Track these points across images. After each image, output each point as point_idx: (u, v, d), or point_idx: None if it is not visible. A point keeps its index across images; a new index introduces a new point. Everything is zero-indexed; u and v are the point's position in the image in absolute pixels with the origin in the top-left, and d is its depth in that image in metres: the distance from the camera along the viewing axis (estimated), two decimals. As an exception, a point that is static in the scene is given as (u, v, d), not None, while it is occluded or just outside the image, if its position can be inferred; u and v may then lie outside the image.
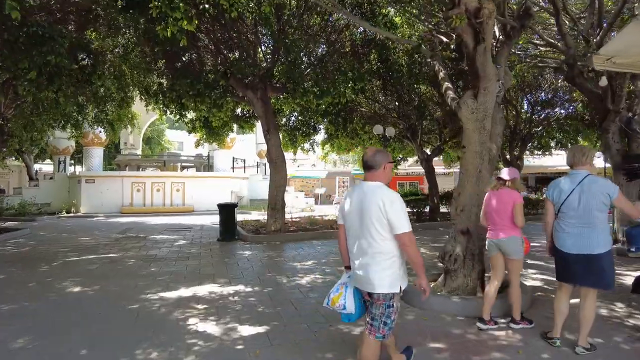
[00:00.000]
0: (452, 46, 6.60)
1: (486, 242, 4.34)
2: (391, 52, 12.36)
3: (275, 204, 10.57)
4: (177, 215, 19.20)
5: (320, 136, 16.57)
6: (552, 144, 20.89)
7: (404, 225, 2.45)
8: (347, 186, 25.98)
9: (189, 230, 13.10)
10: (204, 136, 14.81)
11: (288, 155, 17.51)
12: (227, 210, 10.34)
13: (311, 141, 15.54)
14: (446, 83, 6.13)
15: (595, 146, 21.91)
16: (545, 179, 33.33)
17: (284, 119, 14.99)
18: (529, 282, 5.86)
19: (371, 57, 12.84)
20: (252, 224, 12.71)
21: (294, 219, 14.05)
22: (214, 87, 10.14)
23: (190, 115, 14.30)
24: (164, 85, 11.54)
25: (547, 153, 22.34)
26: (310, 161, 37.75)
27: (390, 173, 2.66)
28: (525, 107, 17.89)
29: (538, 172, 31.05)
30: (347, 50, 11.99)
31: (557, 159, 28.37)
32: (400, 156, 20.58)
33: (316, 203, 25.86)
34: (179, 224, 15.16)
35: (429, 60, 6.74)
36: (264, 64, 10.69)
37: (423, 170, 32.37)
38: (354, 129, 14.68)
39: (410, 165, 31.81)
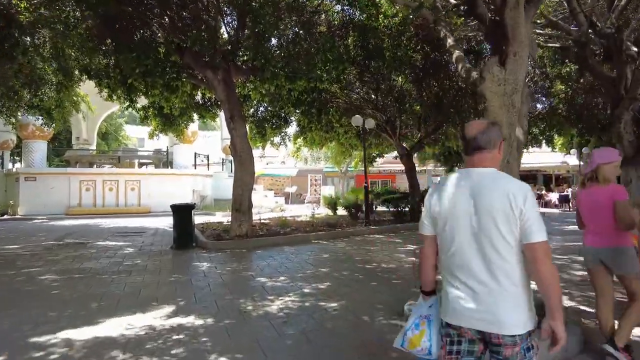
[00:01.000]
0: (462, 7, 5.33)
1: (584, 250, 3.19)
2: (372, 35, 11.07)
3: (241, 204, 9.04)
4: (132, 217, 17.26)
5: (292, 129, 15.14)
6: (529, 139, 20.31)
7: (541, 230, 1.64)
8: (320, 184, 24.67)
9: (141, 235, 11.36)
10: (159, 126, 13.01)
11: (256, 152, 16.00)
12: (182, 213, 8.73)
13: (282, 134, 14.04)
14: (456, 51, 4.85)
15: (572, 142, 21.61)
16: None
17: (252, 109, 13.44)
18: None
19: (349, 40, 11.54)
20: (214, 228, 11.13)
21: (262, 221, 12.53)
22: (166, 64, 8.50)
23: (143, 101, 12.54)
24: (110, 64, 9.78)
25: (524, 150, 21.85)
26: (280, 158, 36.18)
27: (502, 155, 1.85)
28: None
29: (510, 170, 30.80)
30: (322, 30, 10.63)
31: (529, 157, 28.13)
32: (376, 152, 19.46)
33: (287, 202, 24.35)
34: (131, 227, 13.35)
35: (432, 25, 5.45)
36: (227, 39, 9.12)
37: (396, 168, 31.65)
38: (329, 121, 13.31)
39: (383, 163, 30.86)
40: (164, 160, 22.72)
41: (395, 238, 10.41)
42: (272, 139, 13.88)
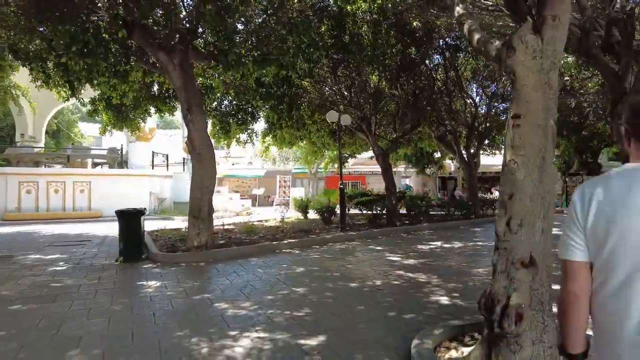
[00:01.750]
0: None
1: None
2: (348, 20, 10.09)
3: (199, 210, 7.80)
4: (80, 222, 15.50)
5: (259, 126, 13.96)
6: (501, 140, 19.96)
7: None
8: (289, 186, 23.46)
9: (84, 245, 9.86)
10: (110, 120, 11.53)
11: (221, 152, 14.70)
12: (129, 220, 7.41)
13: (249, 131, 12.82)
14: (468, 21, 3.89)
15: None
16: (485, 179, 33.28)
17: (215, 103, 12.15)
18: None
19: (322, 29, 10.51)
20: (170, 236, 9.79)
21: (226, 227, 11.29)
22: (110, 44, 7.16)
23: (92, 93, 11.04)
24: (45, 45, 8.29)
25: (496, 152, 21.57)
26: (247, 159, 34.70)
27: None
28: (477, 99, 16.58)
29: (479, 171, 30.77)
30: (294, 16, 9.55)
31: (493, 160, 28.05)
32: (349, 152, 18.56)
33: (254, 205, 23.07)
34: (75, 235, 11.75)
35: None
36: (185, 16, 7.85)
37: (365, 169, 30.90)
38: (300, 117, 12.24)
39: (353, 165, 30.10)
40: (119, 159, 20.85)
41: (374, 245, 9.45)
42: (237, 136, 12.64)
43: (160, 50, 7.42)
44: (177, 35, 7.42)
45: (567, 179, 20.55)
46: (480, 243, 9.71)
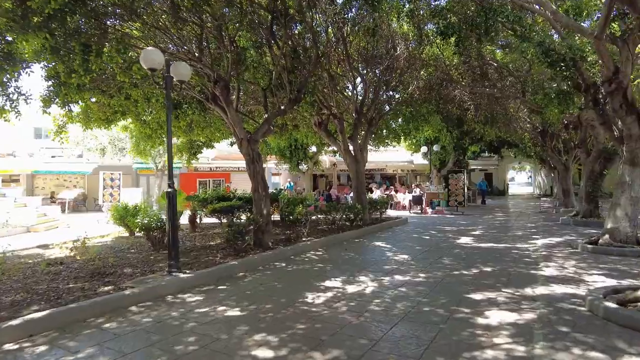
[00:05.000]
0: None
1: None
2: None
3: None
4: None
5: (37, 84, 8.30)
6: (385, 133, 17.39)
7: None
8: (119, 185, 17.11)
9: None
10: None
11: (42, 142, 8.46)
12: None
13: (9, 91, 7.15)
14: None
15: (434, 134, 19.79)
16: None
17: None
18: None
19: None
20: None
21: None
22: None
23: None
24: None
25: (381, 147, 19.03)
26: (78, 151, 26.67)
27: None
28: (361, 85, 13.47)
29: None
30: None
31: (386, 155, 26.24)
32: (203, 139, 13.69)
33: (64, 212, 16.48)
34: None
35: None
36: None
37: (230, 165, 25.98)
38: (104, 69, 7.11)
39: (216, 158, 25.15)
40: None
41: (234, 304, 5.03)
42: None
43: None
44: None
45: (449, 176, 19.02)
46: (400, 278, 6.18)
